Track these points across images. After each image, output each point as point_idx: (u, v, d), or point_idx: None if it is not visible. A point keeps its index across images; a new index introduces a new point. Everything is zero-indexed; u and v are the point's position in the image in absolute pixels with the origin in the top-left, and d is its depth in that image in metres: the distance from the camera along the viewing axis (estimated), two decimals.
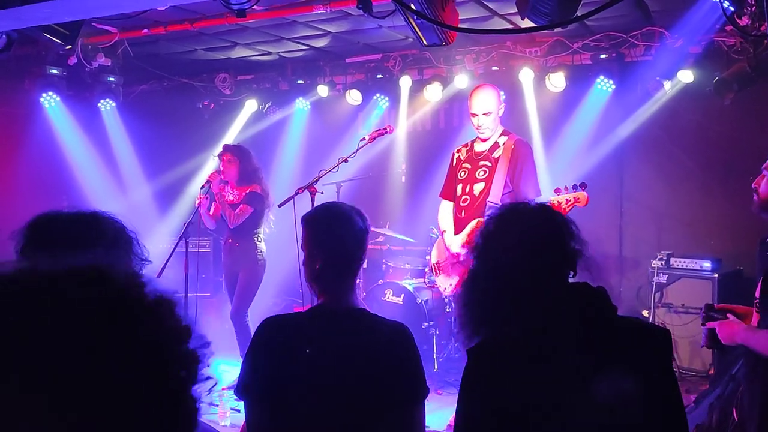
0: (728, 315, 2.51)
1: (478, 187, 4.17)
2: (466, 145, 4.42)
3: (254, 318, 5.23)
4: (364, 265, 2.13)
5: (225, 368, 5.63)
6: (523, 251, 1.57)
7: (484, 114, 4.15)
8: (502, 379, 1.51)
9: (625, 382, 1.43)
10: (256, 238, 5.16)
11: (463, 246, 3.96)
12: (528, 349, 1.51)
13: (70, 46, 3.90)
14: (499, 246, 1.61)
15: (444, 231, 4.36)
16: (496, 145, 4.22)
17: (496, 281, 1.58)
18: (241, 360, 5.34)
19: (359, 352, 1.90)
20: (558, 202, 3.79)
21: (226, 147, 5.27)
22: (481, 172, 4.19)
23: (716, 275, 5.29)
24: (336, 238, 2.01)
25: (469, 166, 4.26)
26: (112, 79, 6.60)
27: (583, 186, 3.76)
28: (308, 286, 2.07)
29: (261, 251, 5.16)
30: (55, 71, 6.28)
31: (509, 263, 1.57)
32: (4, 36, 4.30)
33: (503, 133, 4.25)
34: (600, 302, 1.55)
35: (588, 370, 1.45)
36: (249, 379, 1.93)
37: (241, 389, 1.94)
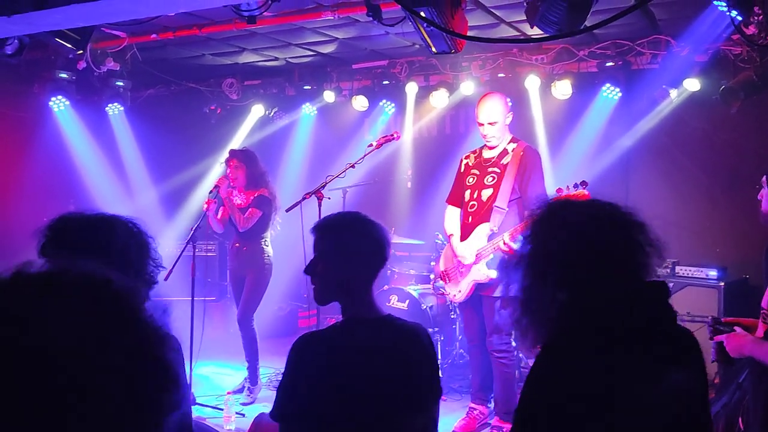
0: (735, 328, 2.52)
1: (486, 193, 4.18)
2: (474, 152, 4.44)
3: (258, 323, 5.25)
4: None
5: (229, 372, 5.65)
6: (592, 247, 1.52)
7: (489, 123, 4.16)
8: (579, 377, 1.47)
9: (689, 381, 1.46)
10: (263, 242, 5.18)
11: (511, 238, 3.87)
12: (602, 344, 1.48)
13: (81, 51, 3.94)
14: (563, 241, 1.54)
15: (451, 235, 4.37)
16: (504, 152, 4.23)
17: (562, 279, 1.53)
18: (246, 364, 5.37)
19: (396, 358, 1.93)
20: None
21: (233, 152, 5.29)
22: (490, 179, 4.20)
23: (722, 284, 5.29)
24: (375, 247, 2.01)
25: (478, 173, 4.28)
26: (120, 83, 6.65)
27: (584, 184, 3.77)
28: (321, 296, 2.03)
29: (268, 255, 5.18)
30: (64, 75, 6.32)
31: (574, 258, 1.52)
32: (15, 41, 4.35)
33: (512, 140, 4.27)
34: (664, 302, 1.55)
35: (659, 368, 1.46)
36: (287, 403, 1.89)
37: (278, 413, 1.90)
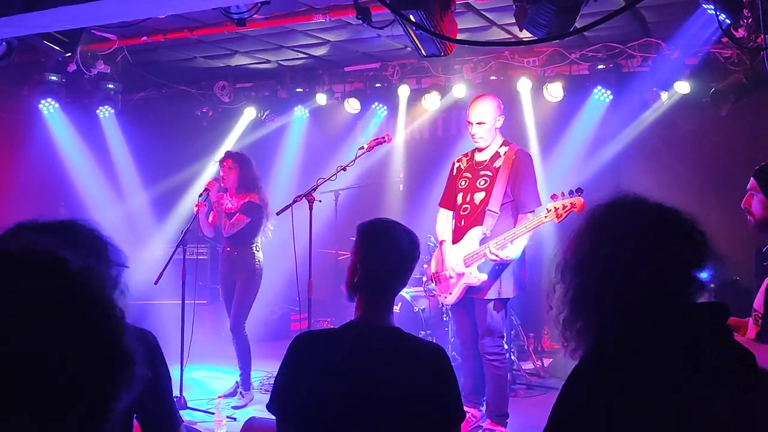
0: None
1: (479, 197, 4.18)
2: (466, 155, 4.43)
3: (249, 326, 5.22)
4: None
5: (220, 376, 5.63)
6: (653, 255, 1.45)
7: (478, 123, 4.16)
8: (618, 390, 1.42)
9: (735, 405, 1.39)
10: (253, 247, 5.14)
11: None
12: (639, 362, 1.43)
13: (69, 54, 3.92)
14: (625, 245, 1.47)
15: (443, 241, 4.36)
16: (497, 155, 4.23)
17: (615, 286, 1.46)
18: (239, 370, 5.35)
19: (392, 371, 1.88)
20: (555, 208, 3.80)
21: (228, 153, 5.26)
22: (482, 182, 4.19)
23: (712, 285, 5.29)
24: (380, 257, 2.00)
25: (470, 176, 4.27)
26: (111, 86, 6.62)
27: (579, 191, 3.77)
28: (346, 296, 2.05)
29: (258, 260, 5.15)
30: (54, 78, 6.29)
31: (634, 267, 1.45)
32: (4, 43, 4.32)
33: (504, 143, 4.27)
34: (720, 324, 1.49)
35: (702, 390, 1.40)
36: (281, 396, 1.93)
37: (273, 405, 1.94)
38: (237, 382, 5.17)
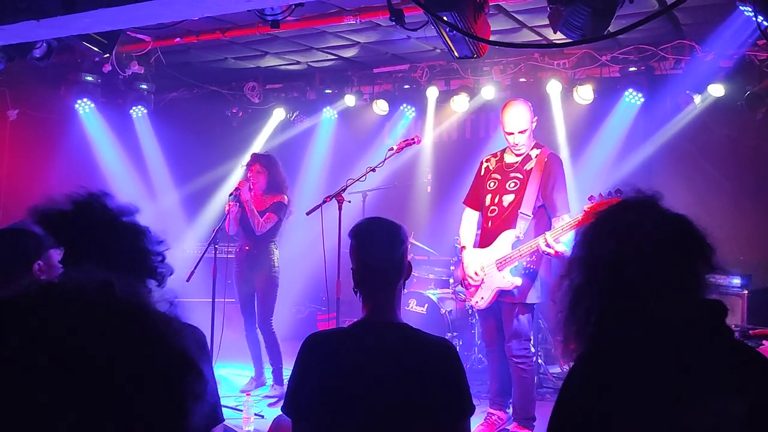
0: (764, 342, 2.48)
1: (508, 199, 4.16)
2: (495, 155, 4.41)
3: (277, 325, 5.28)
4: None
5: (249, 373, 5.69)
6: (656, 259, 1.45)
7: (519, 132, 4.12)
8: (610, 389, 1.44)
9: (735, 406, 1.37)
10: (272, 246, 5.21)
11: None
12: (638, 360, 1.43)
13: (107, 55, 4.00)
14: (627, 247, 1.47)
15: (464, 247, 4.33)
16: (528, 158, 4.20)
17: (613, 287, 1.47)
18: (271, 368, 5.42)
19: (400, 367, 1.89)
20: (592, 208, 3.77)
21: (255, 157, 5.29)
22: (512, 184, 4.17)
23: (746, 292, 5.21)
24: (374, 254, 2.02)
25: (499, 177, 4.25)
26: (144, 86, 6.74)
27: (618, 192, 3.72)
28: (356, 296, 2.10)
29: (276, 258, 5.22)
30: (90, 78, 6.42)
31: (633, 269, 1.45)
32: (44, 44, 4.43)
33: (535, 146, 4.24)
34: (720, 321, 1.47)
35: (701, 389, 1.39)
36: (294, 397, 1.96)
37: (288, 407, 1.97)
38: (252, 378, 5.27)
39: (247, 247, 5.22)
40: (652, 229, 1.49)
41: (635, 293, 1.46)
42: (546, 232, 3.92)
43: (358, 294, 2.05)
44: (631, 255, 1.47)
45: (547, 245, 3.85)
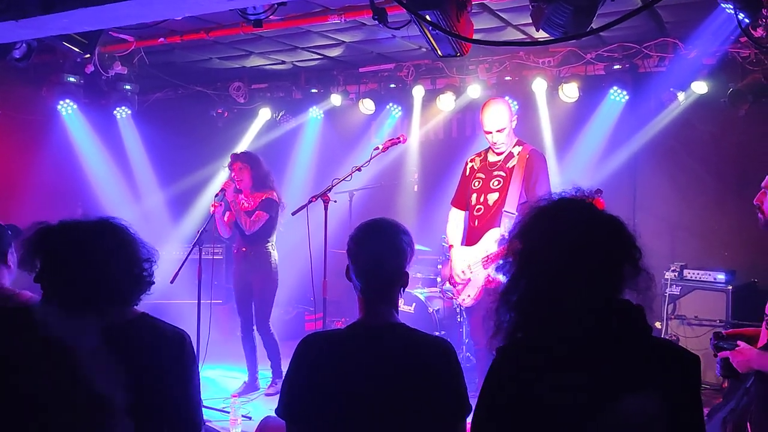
0: (738, 343, 2.50)
1: (493, 197, 4.17)
2: (479, 155, 4.42)
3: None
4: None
5: (236, 375, 5.66)
6: (572, 256, 1.49)
7: (497, 131, 4.15)
8: (523, 383, 1.49)
9: (649, 403, 1.39)
10: (269, 246, 5.18)
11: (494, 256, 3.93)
12: (553, 357, 1.47)
13: (88, 55, 3.96)
14: (546, 247, 1.52)
15: (451, 246, 4.36)
16: (510, 155, 4.22)
17: (536, 285, 1.52)
18: (271, 370, 5.45)
19: (397, 368, 1.88)
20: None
21: (235, 156, 5.27)
22: (496, 182, 4.18)
23: (730, 287, 5.26)
24: (371, 257, 1.98)
25: (484, 176, 4.26)
26: (127, 87, 6.68)
27: (598, 192, 3.75)
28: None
29: (274, 258, 5.19)
30: (72, 79, 6.36)
31: (554, 268, 1.49)
32: (24, 45, 4.37)
33: (517, 143, 4.26)
34: (635, 320, 1.50)
35: (612, 387, 1.42)
36: (289, 399, 1.94)
37: (282, 410, 1.95)
38: (245, 382, 5.26)
39: (243, 249, 5.20)
40: (584, 227, 1.53)
41: (561, 289, 1.49)
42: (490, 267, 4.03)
43: (358, 294, 2.02)
44: (558, 251, 1.50)
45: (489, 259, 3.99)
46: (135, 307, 1.95)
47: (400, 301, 6.09)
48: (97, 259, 1.85)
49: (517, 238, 1.59)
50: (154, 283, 1.94)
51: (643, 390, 1.42)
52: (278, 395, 1.99)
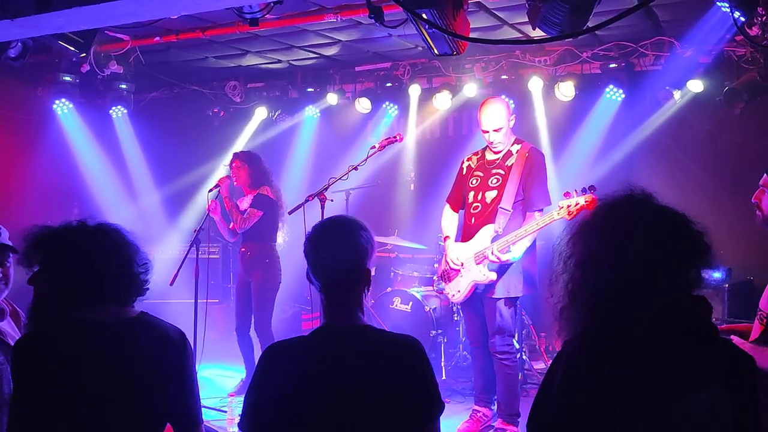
0: (732, 337, 2.51)
1: (491, 195, 4.17)
2: (476, 154, 4.43)
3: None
4: (373, 272, 2.01)
5: (233, 374, 5.66)
6: (650, 254, 1.49)
7: (495, 130, 4.15)
8: (595, 377, 1.48)
9: (715, 401, 1.40)
10: (268, 246, 5.13)
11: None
12: (619, 351, 1.48)
13: (83, 54, 3.95)
14: (624, 240, 1.51)
15: (447, 237, 4.37)
16: (509, 154, 4.22)
17: (609, 278, 1.50)
18: (258, 360, 5.42)
19: (365, 372, 1.80)
20: (567, 205, 3.80)
21: (234, 154, 5.29)
22: (494, 180, 4.19)
23: (726, 285, 5.27)
24: (328, 255, 1.88)
25: (482, 174, 4.27)
26: (123, 86, 6.66)
27: (592, 189, 3.76)
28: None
29: (275, 258, 5.13)
30: (68, 78, 6.34)
31: (629, 262, 1.49)
32: (19, 44, 4.36)
33: (516, 141, 4.26)
34: (702, 319, 1.51)
35: (679, 384, 1.43)
36: (253, 412, 1.83)
37: (246, 423, 1.83)
38: (242, 381, 5.23)
39: (242, 249, 5.17)
40: (648, 225, 1.52)
41: (628, 289, 1.48)
42: (493, 243, 3.99)
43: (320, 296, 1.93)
44: (624, 251, 1.50)
45: (494, 254, 3.95)
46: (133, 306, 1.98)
47: (396, 300, 6.08)
48: (94, 261, 1.88)
49: (578, 239, 1.58)
50: (148, 288, 1.99)
51: (710, 388, 1.42)
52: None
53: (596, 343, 1.52)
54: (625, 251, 1.50)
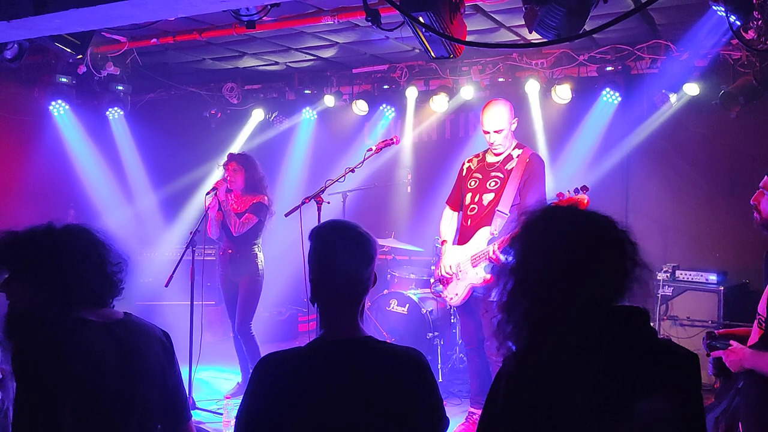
0: (731, 342, 2.52)
1: (488, 198, 4.18)
2: (477, 156, 4.44)
3: (257, 327, 5.23)
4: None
5: (229, 377, 5.65)
6: (574, 264, 1.48)
7: (495, 132, 4.15)
8: (532, 392, 1.48)
9: (659, 405, 1.40)
10: (255, 248, 5.14)
11: (496, 250, 3.92)
12: (560, 365, 1.47)
13: (80, 56, 3.94)
14: (547, 254, 1.50)
15: (444, 241, 4.38)
16: (509, 158, 4.23)
17: (538, 293, 1.50)
18: (251, 372, 5.39)
19: (365, 385, 1.73)
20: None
21: (231, 156, 5.25)
22: (493, 183, 4.19)
23: (722, 288, 5.28)
24: (339, 265, 1.79)
25: (481, 176, 4.27)
26: (120, 87, 6.66)
27: (584, 189, 3.77)
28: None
29: (260, 261, 5.14)
30: (64, 80, 6.33)
31: (555, 275, 1.48)
32: (15, 45, 4.36)
33: (517, 146, 4.27)
34: (640, 324, 1.50)
35: (621, 392, 1.42)
36: (247, 424, 1.77)
37: None
38: (238, 383, 5.21)
39: (229, 251, 5.15)
40: (567, 234, 1.52)
41: (555, 301, 1.48)
42: (495, 242, 4.00)
43: (315, 306, 1.83)
44: (547, 262, 1.50)
45: (494, 253, 3.96)
46: (115, 308, 1.99)
47: (393, 302, 6.08)
48: (63, 263, 1.86)
49: (510, 252, 1.58)
50: (123, 288, 1.97)
51: (653, 393, 1.41)
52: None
53: (534, 360, 1.51)
54: (547, 262, 1.50)
